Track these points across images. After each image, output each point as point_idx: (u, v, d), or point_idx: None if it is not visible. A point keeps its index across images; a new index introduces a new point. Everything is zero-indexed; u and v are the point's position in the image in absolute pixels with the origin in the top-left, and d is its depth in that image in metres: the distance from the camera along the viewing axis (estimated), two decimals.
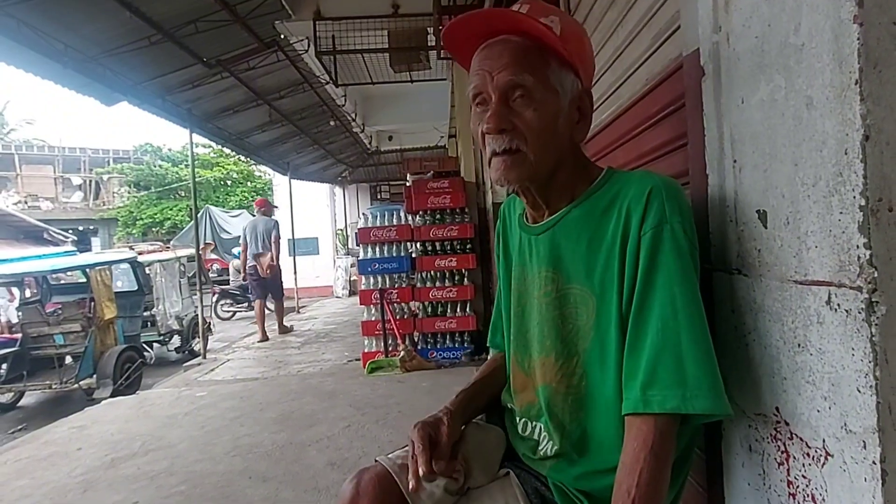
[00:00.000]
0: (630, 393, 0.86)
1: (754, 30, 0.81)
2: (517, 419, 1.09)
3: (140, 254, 8.34)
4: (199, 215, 8.38)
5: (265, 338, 7.74)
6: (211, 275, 12.32)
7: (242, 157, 16.82)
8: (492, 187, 5.65)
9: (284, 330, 8.31)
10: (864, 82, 0.61)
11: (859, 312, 0.63)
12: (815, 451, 0.73)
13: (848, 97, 0.62)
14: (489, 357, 1.29)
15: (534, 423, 1.04)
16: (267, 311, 8.08)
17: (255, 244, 7.66)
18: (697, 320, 0.84)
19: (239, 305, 11.61)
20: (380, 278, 5.45)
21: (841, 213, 0.65)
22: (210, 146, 20.27)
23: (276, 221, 7.90)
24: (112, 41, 4.71)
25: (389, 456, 1.05)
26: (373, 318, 5.42)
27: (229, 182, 23.07)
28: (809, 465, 0.74)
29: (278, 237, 7.73)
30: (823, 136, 0.67)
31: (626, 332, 0.89)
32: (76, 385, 5.80)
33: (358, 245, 5.82)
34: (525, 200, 1.02)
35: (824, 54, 0.66)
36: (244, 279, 8.17)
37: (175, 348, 8.34)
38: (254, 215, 8.60)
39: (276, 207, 8.38)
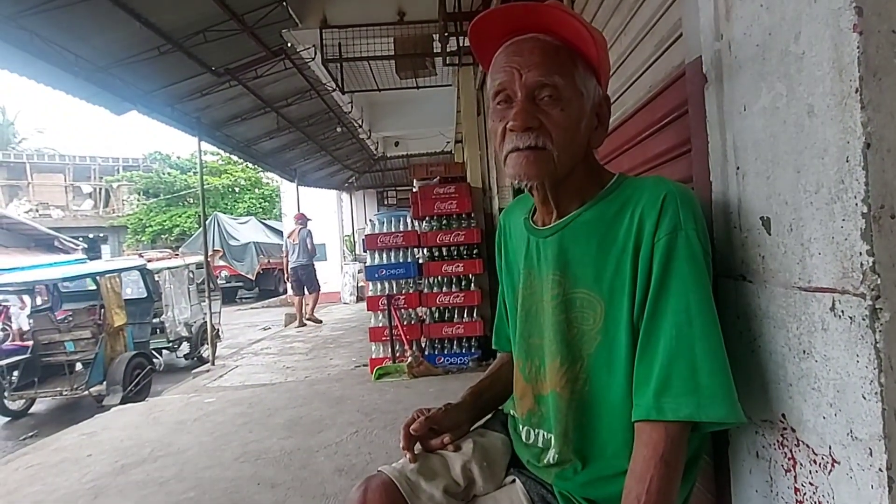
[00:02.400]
0: (642, 399, 0.86)
1: (755, 38, 0.81)
2: (520, 427, 1.09)
3: (149, 261, 8.41)
4: (207, 222, 8.48)
5: (303, 324, 9.49)
6: (220, 281, 12.39)
7: (250, 165, 16.96)
8: (498, 192, 5.66)
9: (314, 319, 9.67)
10: (865, 90, 0.61)
11: (863, 319, 0.63)
12: (822, 458, 0.73)
13: (849, 105, 0.63)
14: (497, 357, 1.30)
15: (536, 430, 1.04)
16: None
17: (293, 250, 9.49)
18: (712, 328, 0.83)
19: None
20: (387, 284, 5.45)
21: (843, 220, 0.65)
22: (218, 154, 20.43)
23: (309, 230, 9.57)
24: (122, 51, 4.76)
25: (393, 465, 1.06)
26: (380, 324, 5.43)
27: (237, 189, 23.23)
28: (816, 471, 0.74)
29: (312, 243, 9.58)
30: (825, 143, 0.67)
31: (637, 338, 0.89)
32: (86, 392, 5.85)
33: (365, 251, 5.83)
34: (536, 197, 1.01)
35: (825, 62, 0.66)
36: (286, 279, 10.16)
37: (184, 355, 8.39)
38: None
39: (311, 220, 10.02)
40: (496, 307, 1.25)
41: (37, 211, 22.22)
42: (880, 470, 0.62)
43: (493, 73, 0.96)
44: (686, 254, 0.85)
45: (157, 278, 7.83)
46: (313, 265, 9.67)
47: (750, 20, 0.82)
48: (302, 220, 9.63)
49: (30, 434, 5.56)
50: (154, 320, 7.62)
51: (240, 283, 17.27)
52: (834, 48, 0.64)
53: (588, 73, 0.94)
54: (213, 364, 6.85)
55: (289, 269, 9.60)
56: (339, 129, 9.41)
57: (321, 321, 9.81)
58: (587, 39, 0.91)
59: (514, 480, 1.06)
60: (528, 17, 0.94)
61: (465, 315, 5.29)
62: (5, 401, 6.01)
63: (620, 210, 0.92)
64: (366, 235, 5.71)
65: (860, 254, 0.63)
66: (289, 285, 10.47)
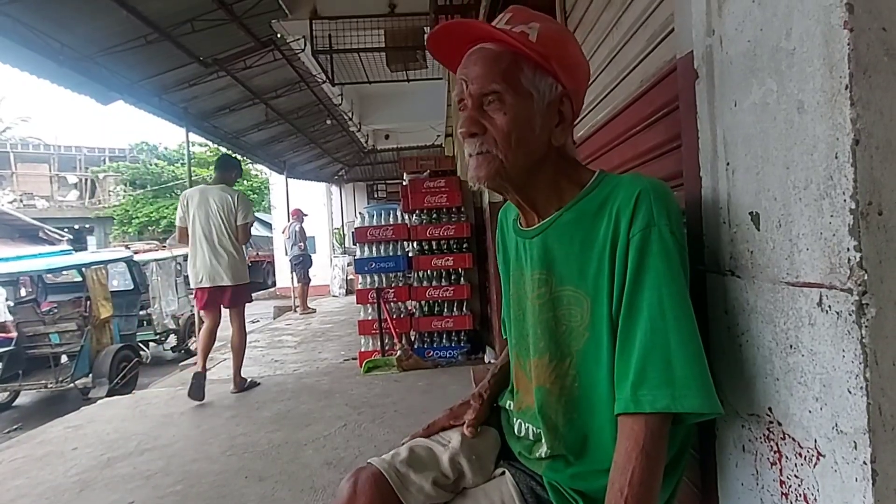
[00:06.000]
0: (621, 393, 0.87)
1: (747, 34, 0.81)
2: (513, 419, 1.10)
3: (136, 252, 8.33)
4: None
5: (305, 310, 10.35)
6: None
7: (239, 156, 16.84)
8: None
9: (306, 310, 10.26)
10: (855, 87, 0.61)
11: (850, 314, 0.64)
12: (807, 452, 0.74)
13: (838, 102, 0.63)
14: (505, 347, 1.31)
15: (527, 424, 1.05)
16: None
17: (288, 242, 10.46)
18: (685, 321, 0.85)
19: None
20: (376, 277, 5.45)
21: (832, 215, 0.66)
22: (206, 145, 20.21)
23: (301, 225, 10.37)
24: (108, 40, 4.69)
25: (383, 457, 1.06)
26: (369, 318, 5.42)
27: None
28: (801, 465, 0.75)
29: (301, 238, 10.39)
30: (814, 139, 0.68)
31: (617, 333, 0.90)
32: (72, 384, 5.79)
33: (355, 244, 5.82)
34: (511, 200, 1.05)
35: (815, 59, 0.66)
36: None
37: (171, 347, 8.33)
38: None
39: (307, 215, 10.73)
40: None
41: (21, 201, 21.90)
42: (864, 463, 0.63)
43: (455, 83, 0.99)
44: (659, 249, 0.86)
45: (144, 270, 7.76)
46: (306, 257, 10.26)
47: (742, 16, 0.82)
48: (298, 215, 10.25)
49: (14, 427, 5.50)
50: (141, 312, 7.56)
51: None
52: (825, 45, 0.65)
53: (540, 73, 0.95)
54: None
55: (291, 259, 10.56)
56: (328, 122, 9.36)
57: (313, 310, 10.36)
58: (519, 46, 0.93)
59: (503, 472, 1.06)
60: (468, 31, 0.98)
61: (455, 309, 5.30)
62: None
63: (600, 208, 0.93)
64: (355, 228, 5.69)
65: (848, 249, 0.63)
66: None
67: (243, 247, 4.68)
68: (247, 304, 4.79)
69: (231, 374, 4.80)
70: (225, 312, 4.66)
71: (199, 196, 4.54)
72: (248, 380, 4.87)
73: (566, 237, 0.97)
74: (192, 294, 7.88)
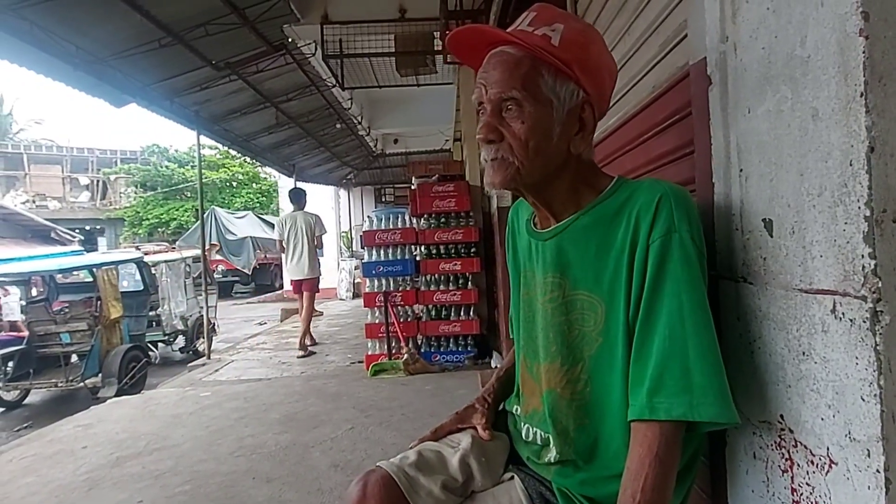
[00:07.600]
0: (636, 399, 0.86)
1: (761, 41, 0.82)
2: (521, 424, 1.09)
3: (146, 254, 8.41)
4: (204, 216, 8.46)
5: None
6: (216, 276, 12.40)
7: (249, 159, 16.95)
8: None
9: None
10: (870, 95, 0.61)
11: (863, 322, 0.64)
12: (820, 459, 0.73)
13: (853, 109, 0.63)
14: (510, 349, 1.31)
15: (535, 429, 1.05)
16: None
17: None
18: (705, 328, 0.84)
19: None
20: (384, 281, 5.46)
21: (846, 223, 0.66)
22: (217, 148, 20.38)
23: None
24: (122, 43, 4.74)
25: (392, 460, 1.06)
26: (376, 321, 5.43)
27: (235, 183, 23.17)
28: (813, 472, 0.75)
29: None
30: (829, 147, 0.68)
31: (633, 338, 0.89)
32: (82, 384, 5.84)
33: (362, 248, 5.85)
34: (528, 203, 1.04)
35: (830, 67, 0.67)
36: None
37: (180, 348, 8.38)
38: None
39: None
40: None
41: (33, 202, 22.12)
42: (878, 471, 0.63)
43: (475, 86, 0.98)
44: (680, 255, 0.86)
45: (153, 271, 7.82)
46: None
47: (756, 23, 0.83)
48: None
49: (24, 425, 5.55)
50: (150, 313, 7.61)
51: (236, 278, 17.26)
52: (840, 52, 0.65)
53: (561, 79, 0.92)
54: (208, 358, 6.84)
55: None
56: (338, 126, 9.39)
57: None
58: (540, 51, 0.91)
59: (512, 477, 1.06)
60: (485, 36, 0.96)
61: (462, 313, 5.29)
62: (0, 391, 6.00)
63: (618, 212, 0.92)
64: (364, 232, 5.71)
65: (862, 256, 0.63)
66: None
67: (318, 251, 6.79)
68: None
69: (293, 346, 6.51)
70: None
71: (291, 219, 6.79)
72: (309, 347, 6.74)
73: (582, 241, 0.96)
74: (200, 296, 8.12)
